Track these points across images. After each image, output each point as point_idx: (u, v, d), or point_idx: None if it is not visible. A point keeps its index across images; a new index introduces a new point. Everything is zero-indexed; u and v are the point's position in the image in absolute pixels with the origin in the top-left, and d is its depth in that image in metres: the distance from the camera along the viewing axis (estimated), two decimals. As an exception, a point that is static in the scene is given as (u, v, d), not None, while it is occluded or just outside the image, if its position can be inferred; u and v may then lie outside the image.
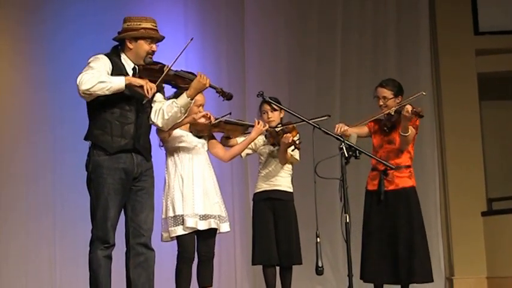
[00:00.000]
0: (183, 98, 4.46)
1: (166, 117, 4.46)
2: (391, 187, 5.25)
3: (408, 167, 5.32)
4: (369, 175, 5.40)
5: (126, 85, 4.22)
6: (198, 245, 4.96)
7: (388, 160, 5.13)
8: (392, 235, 5.19)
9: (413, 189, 5.33)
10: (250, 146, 5.34)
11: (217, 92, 4.68)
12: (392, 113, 5.23)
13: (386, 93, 5.32)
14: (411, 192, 5.31)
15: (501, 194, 7.87)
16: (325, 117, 5.10)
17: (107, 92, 4.19)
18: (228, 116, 5.09)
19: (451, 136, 7.81)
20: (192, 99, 4.48)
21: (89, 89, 4.16)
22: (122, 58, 4.43)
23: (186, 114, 4.60)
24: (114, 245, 4.34)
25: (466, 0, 7.94)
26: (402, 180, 5.28)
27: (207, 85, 4.50)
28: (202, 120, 4.97)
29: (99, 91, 4.18)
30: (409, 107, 5.04)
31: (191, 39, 4.41)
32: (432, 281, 5.27)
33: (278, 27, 7.72)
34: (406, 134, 5.17)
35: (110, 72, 4.32)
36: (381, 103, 5.32)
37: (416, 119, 5.17)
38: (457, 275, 7.59)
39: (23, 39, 7.19)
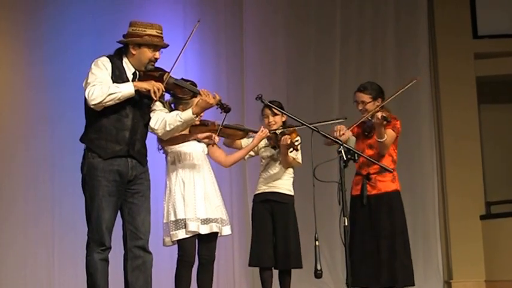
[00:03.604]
0: (188, 114, 4.48)
1: (168, 128, 4.49)
2: (374, 191, 5.20)
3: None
4: (353, 180, 5.34)
5: (135, 91, 4.23)
6: (199, 249, 4.94)
7: (370, 165, 5.13)
8: (374, 239, 5.13)
9: (397, 193, 5.24)
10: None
11: (216, 104, 4.63)
12: (370, 118, 5.20)
13: (364, 97, 5.27)
14: (394, 196, 5.23)
15: (500, 197, 7.86)
16: (342, 120, 5.08)
17: (118, 101, 4.21)
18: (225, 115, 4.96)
19: (450, 139, 7.81)
20: (196, 117, 4.50)
21: (100, 102, 4.17)
22: (123, 62, 4.41)
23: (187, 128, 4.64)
24: (110, 247, 4.31)
25: (465, 4, 7.95)
26: (385, 185, 5.21)
27: (214, 104, 4.53)
28: (205, 141, 4.97)
29: (110, 101, 4.19)
30: (378, 114, 5.00)
31: (198, 21, 4.41)
32: (413, 285, 5.20)
33: (277, 29, 7.73)
34: (382, 140, 5.11)
35: (109, 75, 4.31)
36: (360, 107, 5.29)
37: (386, 123, 5.05)
38: (456, 279, 7.59)
39: (22, 41, 7.18)
